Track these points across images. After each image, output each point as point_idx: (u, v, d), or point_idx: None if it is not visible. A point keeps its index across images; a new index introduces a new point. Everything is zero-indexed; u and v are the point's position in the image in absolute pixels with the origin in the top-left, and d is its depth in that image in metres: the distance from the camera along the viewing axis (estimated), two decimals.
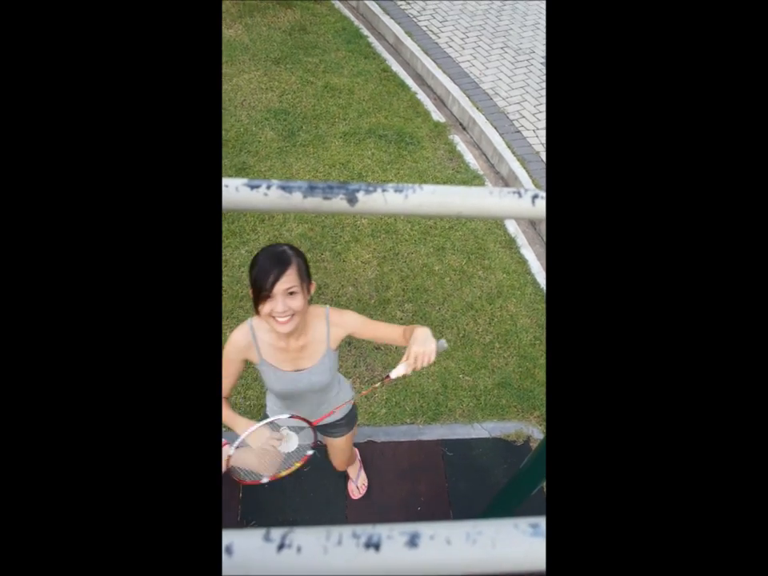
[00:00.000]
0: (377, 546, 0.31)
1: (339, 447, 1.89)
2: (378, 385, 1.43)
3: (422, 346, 1.28)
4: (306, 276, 1.32)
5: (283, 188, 0.50)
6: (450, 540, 0.31)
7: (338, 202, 0.50)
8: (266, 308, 1.28)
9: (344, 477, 2.29)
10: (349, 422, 1.79)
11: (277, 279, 1.24)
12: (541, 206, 0.50)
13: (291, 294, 1.28)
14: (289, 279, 1.26)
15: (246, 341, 1.41)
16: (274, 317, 1.29)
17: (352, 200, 0.50)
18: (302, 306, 1.31)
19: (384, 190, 0.50)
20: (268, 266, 1.25)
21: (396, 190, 0.50)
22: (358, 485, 2.27)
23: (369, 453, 2.38)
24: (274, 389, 1.51)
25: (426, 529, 0.32)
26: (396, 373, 1.33)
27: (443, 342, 1.35)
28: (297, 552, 0.31)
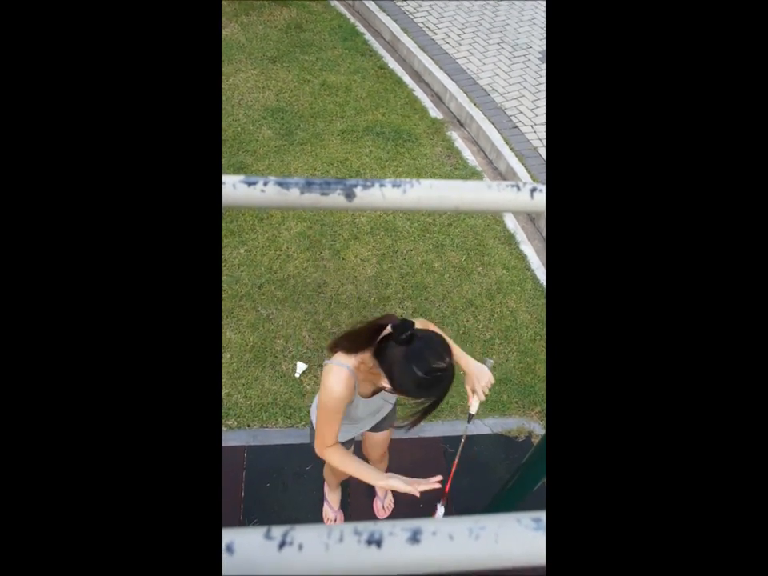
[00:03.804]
0: (378, 543, 0.31)
1: (380, 440, 1.87)
2: (464, 440, 1.63)
3: (482, 380, 1.49)
4: None
5: (280, 184, 0.50)
6: (453, 536, 0.31)
7: (336, 198, 0.50)
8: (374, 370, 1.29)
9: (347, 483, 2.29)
10: (394, 409, 1.77)
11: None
12: (539, 199, 0.50)
13: None
14: None
15: (349, 390, 1.34)
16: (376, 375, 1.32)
17: (350, 195, 0.50)
18: None
19: (382, 185, 0.50)
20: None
21: (394, 185, 0.50)
22: (384, 504, 2.22)
23: None
24: (358, 414, 1.52)
25: (428, 525, 0.31)
26: (474, 409, 1.56)
27: (490, 362, 1.55)
28: (298, 549, 0.31)
